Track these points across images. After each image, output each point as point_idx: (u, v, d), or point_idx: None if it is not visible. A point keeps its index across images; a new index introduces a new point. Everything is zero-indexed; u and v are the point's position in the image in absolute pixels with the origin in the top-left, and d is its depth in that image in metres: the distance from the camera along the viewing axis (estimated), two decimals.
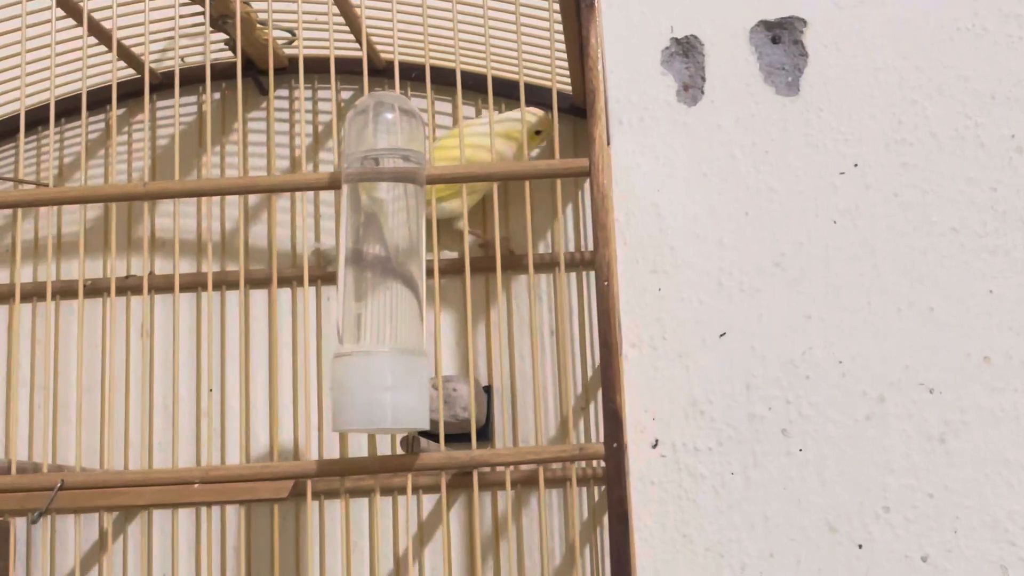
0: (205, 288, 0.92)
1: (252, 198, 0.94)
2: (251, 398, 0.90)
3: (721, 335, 0.90)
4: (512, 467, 0.89)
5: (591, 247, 0.92)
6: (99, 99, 0.92)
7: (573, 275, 0.92)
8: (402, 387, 0.65)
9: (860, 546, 0.87)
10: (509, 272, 0.92)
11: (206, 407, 0.91)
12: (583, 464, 0.89)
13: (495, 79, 0.87)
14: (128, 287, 0.93)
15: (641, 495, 0.89)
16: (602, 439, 0.74)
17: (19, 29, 0.76)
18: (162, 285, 0.92)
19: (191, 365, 0.92)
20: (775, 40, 0.94)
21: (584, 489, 0.90)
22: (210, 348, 0.92)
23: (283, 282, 0.92)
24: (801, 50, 0.93)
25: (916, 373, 0.89)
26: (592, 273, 0.92)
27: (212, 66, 0.93)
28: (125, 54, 0.89)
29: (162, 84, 0.94)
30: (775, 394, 0.89)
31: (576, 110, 0.92)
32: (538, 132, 0.89)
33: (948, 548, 0.87)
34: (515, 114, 0.88)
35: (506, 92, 0.90)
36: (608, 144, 0.91)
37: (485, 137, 0.84)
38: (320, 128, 0.96)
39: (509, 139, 0.87)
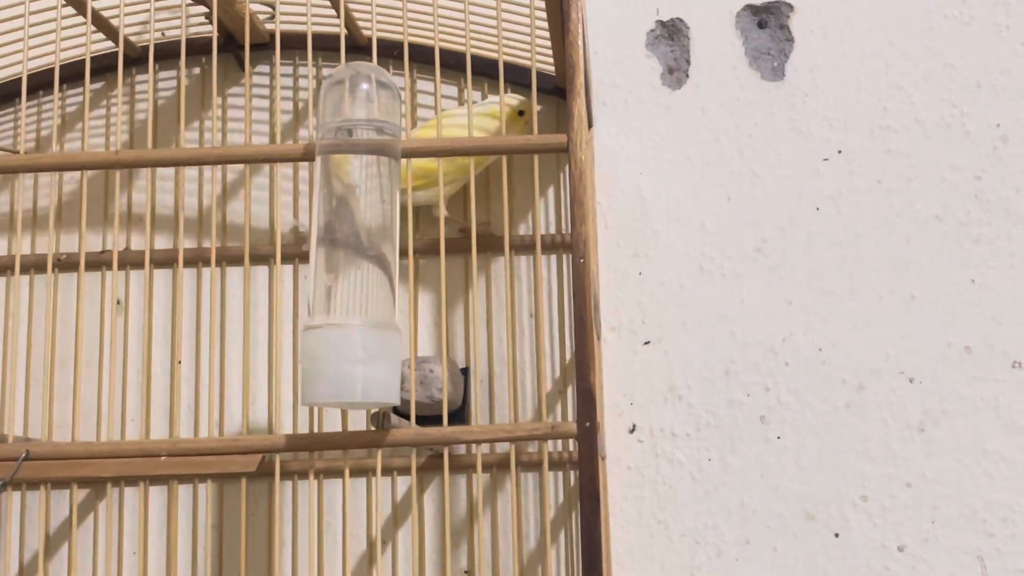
0: (181, 264, 0.91)
1: (230, 175, 0.93)
2: (225, 374, 0.89)
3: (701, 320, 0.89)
4: (486, 448, 0.88)
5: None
6: (76, 72, 0.91)
7: (554, 257, 0.91)
8: (373, 360, 0.64)
9: (837, 535, 0.87)
10: (488, 253, 0.91)
11: (179, 382, 0.90)
12: (559, 448, 0.88)
13: (476, 58, 0.87)
14: (103, 261, 0.92)
15: (618, 480, 0.88)
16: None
17: None
18: (137, 260, 0.91)
19: (165, 341, 0.91)
20: (761, 25, 0.93)
21: (560, 474, 0.89)
22: (185, 323, 0.91)
23: (259, 259, 0.91)
24: (787, 35, 0.93)
25: (897, 361, 0.88)
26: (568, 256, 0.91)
27: (192, 41, 0.92)
28: (103, 25, 0.87)
29: (141, 58, 0.93)
30: (754, 380, 0.89)
31: (560, 91, 0.91)
32: (520, 113, 0.88)
33: (925, 538, 0.86)
34: (496, 99, 0.87)
35: (487, 72, 0.90)
36: (591, 126, 0.91)
37: (465, 123, 0.84)
38: (300, 105, 0.95)
39: (491, 118, 0.86)
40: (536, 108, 0.79)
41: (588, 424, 0.67)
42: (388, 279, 0.67)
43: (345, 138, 0.67)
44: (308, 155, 0.70)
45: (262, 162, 0.70)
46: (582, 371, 0.68)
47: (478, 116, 0.85)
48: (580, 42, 0.70)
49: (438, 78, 0.73)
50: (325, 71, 0.95)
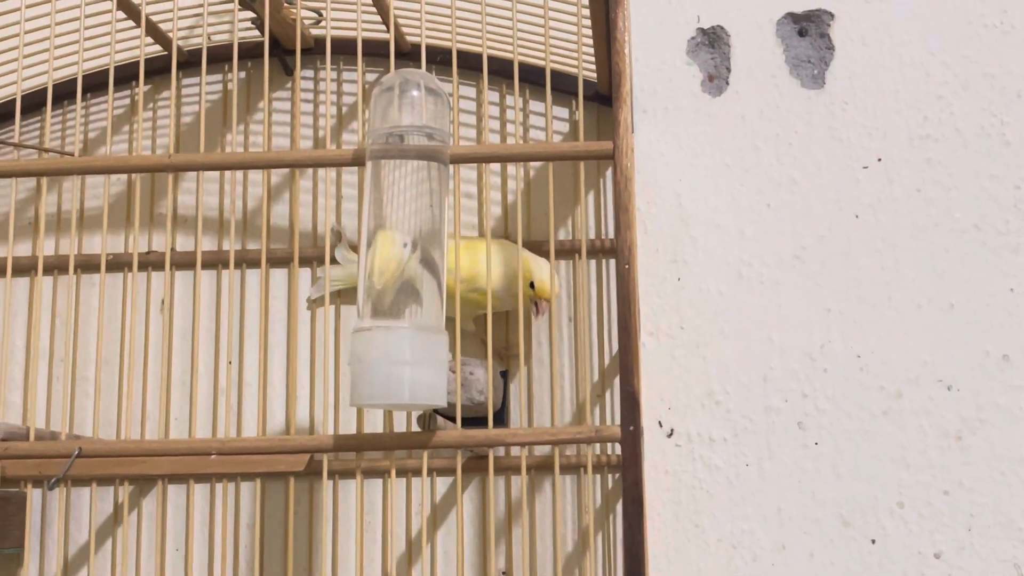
0: (225, 265, 0.92)
1: (274, 178, 0.94)
2: (268, 375, 0.90)
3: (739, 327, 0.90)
4: (527, 449, 0.89)
5: (611, 235, 0.92)
6: (124, 75, 0.93)
7: (593, 262, 0.92)
8: (421, 363, 0.65)
9: (873, 541, 0.87)
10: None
11: (224, 383, 0.91)
12: (598, 451, 0.89)
13: (509, 63, 0.88)
14: (149, 262, 0.93)
15: (655, 484, 0.88)
16: (618, 424, 0.74)
17: (49, 0, 0.76)
18: (183, 261, 0.92)
19: (209, 341, 0.92)
20: (802, 33, 0.93)
21: (598, 476, 0.90)
22: (229, 324, 0.92)
23: (303, 262, 0.92)
24: (828, 43, 0.93)
25: (934, 369, 0.89)
26: (611, 261, 0.92)
27: (238, 45, 0.93)
28: (152, 30, 0.89)
29: (188, 62, 0.94)
30: (792, 387, 0.89)
31: (600, 98, 0.92)
32: (531, 285, 0.85)
33: (961, 546, 0.87)
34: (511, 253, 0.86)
35: (531, 78, 0.91)
36: (632, 132, 0.91)
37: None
38: (344, 110, 0.96)
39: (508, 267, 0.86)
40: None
41: (632, 428, 0.68)
42: (436, 282, 0.68)
43: (396, 144, 0.68)
44: (358, 160, 0.71)
45: (312, 167, 0.71)
46: (627, 375, 0.68)
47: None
48: (626, 50, 0.71)
49: (485, 84, 0.74)
50: (369, 77, 0.96)
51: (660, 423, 0.89)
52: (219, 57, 0.94)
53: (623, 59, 0.70)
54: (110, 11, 0.78)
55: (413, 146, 0.68)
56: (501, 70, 0.88)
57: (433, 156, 0.68)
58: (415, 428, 0.73)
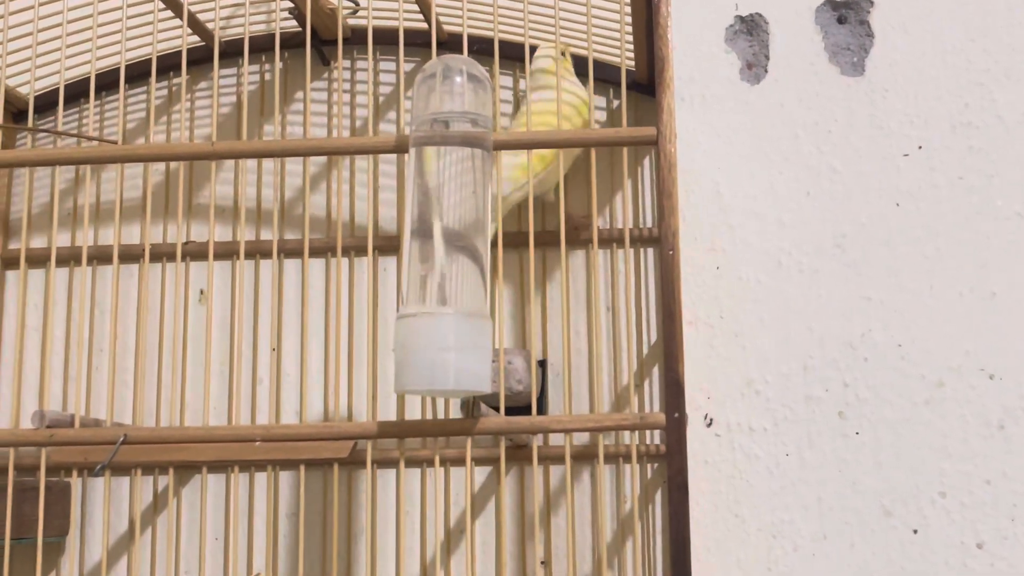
0: (263, 255, 0.93)
1: (311, 168, 0.94)
2: (306, 364, 0.90)
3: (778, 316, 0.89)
4: (563, 439, 0.89)
5: (649, 223, 0.92)
6: (162, 66, 0.93)
7: (630, 251, 0.92)
8: (465, 349, 0.65)
9: (915, 531, 0.87)
10: (567, 247, 0.91)
11: (262, 372, 0.91)
12: (636, 440, 0.89)
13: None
14: (187, 252, 0.93)
15: (695, 474, 0.88)
16: (660, 411, 0.74)
17: None
18: (220, 251, 0.93)
19: (248, 330, 0.92)
20: (841, 20, 0.93)
21: (636, 466, 0.89)
22: (265, 314, 0.92)
23: (341, 252, 0.92)
24: (867, 30, 0.92)
25: (976, 358, 0.88)
26: (650, 249, 0.92)
27: (274, 36, 0.93)
28: (191, 21, 0.89)
29: (224, 52, 0.94)
30: (832, 376, 0.89)
31: (637, 86, 0.92)
32: (562, 53, 0.87)
33: (1004, 535, 0.86)
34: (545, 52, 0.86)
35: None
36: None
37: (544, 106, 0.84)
38: (381, 99, 0.96)
39: (547, 74, 0.86)
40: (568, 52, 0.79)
41: (677, 415, 0.67)
42: (479, 269, 0.68)
43: (440, 130, 0.68)
44: (400, 147, 0.71)
45: (354, 154, 0.71)
46: (671, 362, 0.68)
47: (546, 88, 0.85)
48: (669, 36, 0.70)
49: (528, 71, 0.73)
50: (406, 66, 0.96)
51: (707, 416, 0.89)
52: (255, 48, 0.94)
53: (666, 44, 0.70)
54: (149, 2, 0.78)
55: (457, 132, 0.68)
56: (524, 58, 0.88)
57: (476, 142, 0.68)
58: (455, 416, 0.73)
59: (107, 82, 0.92)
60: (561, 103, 0.78)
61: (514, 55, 0.90)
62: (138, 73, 0.94)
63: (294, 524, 0.90)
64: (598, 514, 0.87)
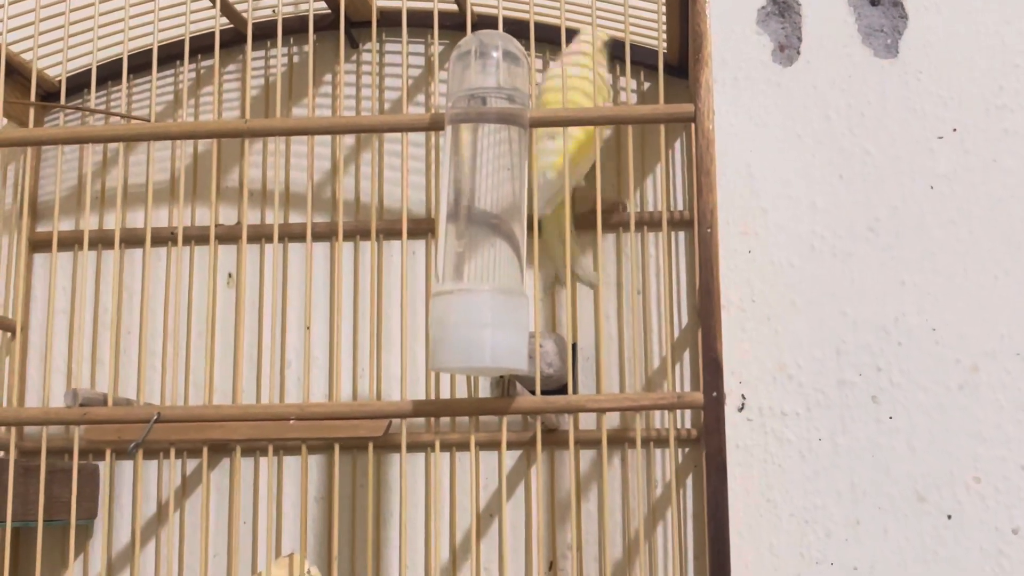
0: (292, 238, 0.92)
1: (324, 150, 0.94)
2: (335, 346, 0.90)
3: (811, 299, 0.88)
4: (592, 423, 0.88)
5: (680, 207, 0.91)
6: (191, 49, 0.92)
7: (660, 234, 0.91)
8: (502, 326, 0.65)
9: (949, 516, 0.86)
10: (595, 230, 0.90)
11: (291, 355, 0.91)
12: (664, 424, 0.88)
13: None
14: (217, 235, 0.93)
15: (727, 458, 0.87)
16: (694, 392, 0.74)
17: None
18: (250, 234, 0.92)
19: (276, 313, 0.92)
20: (874, 2, 0.92)
21: (666, 451, 0.89)
22: (294, 296, 0.92)
23: (366, 234, 0.92)
24: (901, 12, 0.92)
25: (1011, 343, 0.87)
26: (680, 233, 0.91)
27: (302, 18, 0.93)
28: (222, 3, 0.89)
29: (253, 35, 0.94)
30: (866, 360, 0.88)
31: (668, 68, 0.91)
32: (605, 44, 0.86)
33: None
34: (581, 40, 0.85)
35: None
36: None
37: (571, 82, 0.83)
38: (410, 83, 0.95)
39: (584, 56, 0.85)
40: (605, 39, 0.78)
41: (715, 394, 0.67)
42: (515, 247, 0.67)
43: (476, 107, 0.67)
44: (436, 124, 0.70)
45: (390, 131, 0.71)
46: (710, 341, 0.67)
47: (576, 65, 0.84)
48: (707, 11, 0.70)
49: (563, 53, 0.73)
50: (437, 48, 0.95)
51: (740, 399, 0.88)
52: (283, 30, 0.94)
53: (704, 20, 0.69)
54: None
55: (493, 109, 0.67)
56: (556, 40, 0.87)
57: (513, 119, 0.68)
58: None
59: (135, 65, 0.92)
60: (587, 83, 0.77)
61: (546, 37, 0.90)
62: (166, 56, 0.94)
63: (323, 507, 0.89)
64: (628, 498, 0.86)
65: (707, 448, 0.67)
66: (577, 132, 0.79)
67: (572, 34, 0.87)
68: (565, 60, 0.82)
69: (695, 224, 0.88)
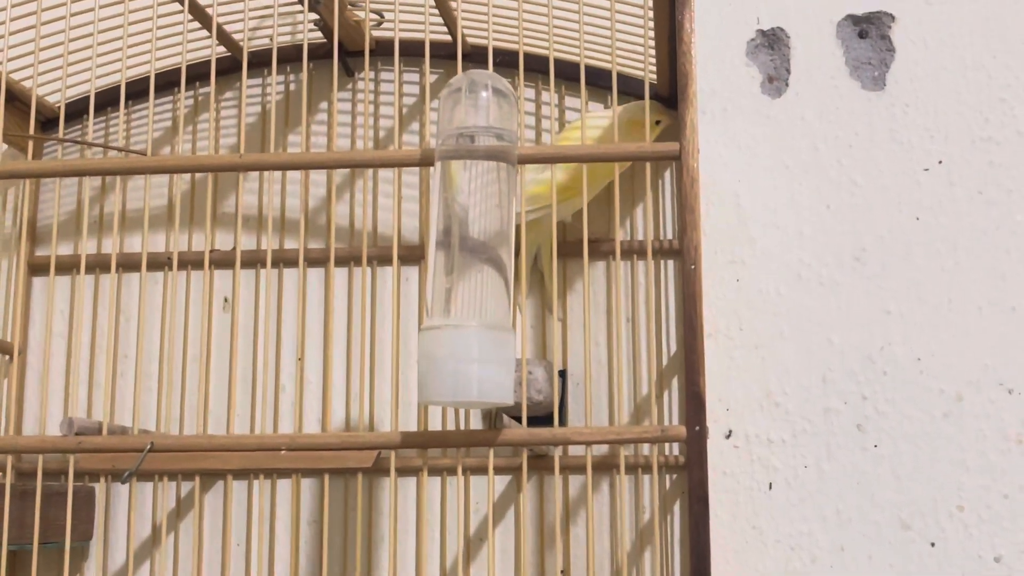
0: (287, 264, 0.93)
1: (335, 178, 0.95)
2: (329, 373, 0.91)
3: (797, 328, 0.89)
4: (582, 450, 0.89)
5: (668, 236, 0.92)
6: (187, 76, 0.94)
7: (651, 263, 0.92)
8: (489, 361, 0.66)
9: (933, 544, 0.87)
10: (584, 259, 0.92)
11: (285, 380, 0.92)
12: (657, 453, 0.89)
13: (568, 65, 0.88)
14: (211, 261, 0.94)
15: (713, 485, 0.89)
16: (678, 424, 0.75)
17: (123, 1, 0.77)
18: (245, 260, 0.93)
19: (271, 339, 0.93)
20: (862, 35, 0.93)
21: (650, 477, 0.90)
22: (299, 321, 0.93)
23: (360, 262, 0.93)
24: (888, 45, 0.93)
25: (995, 373, 0.88)
26: (669, 262, 0.92)
27: (298, 47, 0.94)
28: (218, 32, 0.90)
29: (249, 63, 0.95)
30: (851, 389, 0.89)
31: (660, 99, 0.92)
32: (658, 122, 0.89)
33: (1022, 550, 0.86)
34: (634, 105, 0.88)
35: (592, 80, 0.91)
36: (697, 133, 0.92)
37: (606, 128, 0.84)
38: (404, 111, 0.97)
39: (632, 125, 0.87)
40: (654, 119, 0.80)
41: (698, 428, 0.68)
42: (504, 282, 0.68)
43: (465, 144, 0.69)
44: (425, 161, 0.72)
45: (380, 167, 0.72)
46: (692, 375, 0.69)
47: (622, 120, 0.86)
48: (693, 52, 0.71)
49: (552, 86, 0.74)
50: (430, 78, 0.96)
51: (726, 427, 0.89)
52: (278, 59, 0.95)
53: (690, 60, 0.70)
54: (179, 13, 0.79)
55: (482, 147, 0.69)
56: (561, 72, 0.89)
57: (501, 156, 0.69)
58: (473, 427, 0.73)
59: (132, 92, 0.93)
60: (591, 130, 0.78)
61: (536, 67, 0.91)
62: (164, 83, 0.95)
63: (315, 531, 0.91)
64: (617, 524, 0.87)
65: (689, 481, 0.68)
66: (560, 175, 0.80)
67: (570, 67, 0.88)
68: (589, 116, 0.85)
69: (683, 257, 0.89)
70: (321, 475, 0.89)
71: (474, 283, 0.68)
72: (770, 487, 0.88)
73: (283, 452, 0.69)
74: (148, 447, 0.70)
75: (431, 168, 0.71)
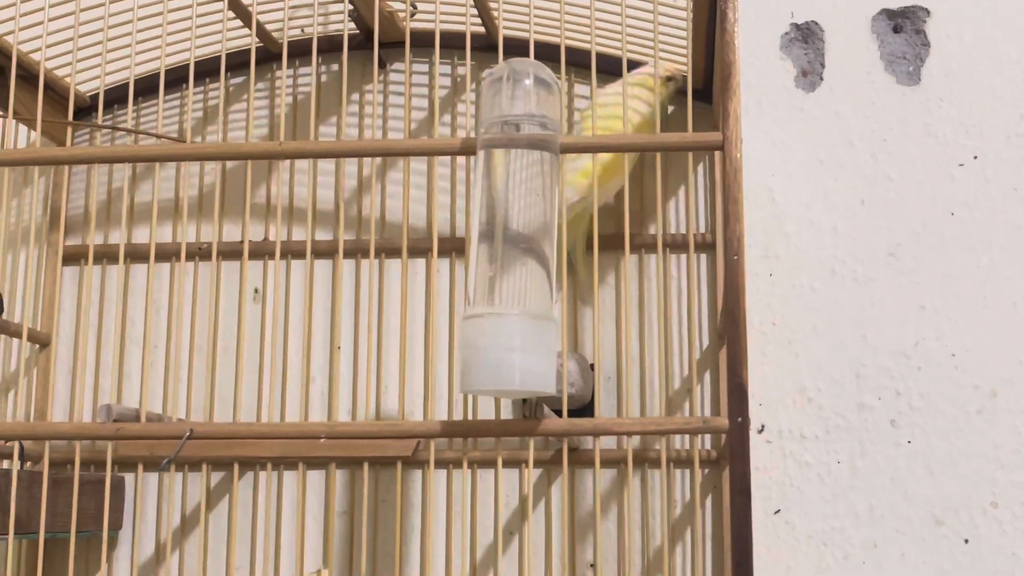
0: (318, 255, 0.93)
1: (365, 169, 0.95)
2: (358, 364, 0.91)
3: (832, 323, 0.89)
4: (613, 443, 0.89)
5: (702, 229, 0.92)
6: (215, 67, 0.93)
7: (683, 256, 0.92)
8: (531, 350, 0.66)
9: (966, 540, 0.86)
10: (618, 252, 0.92)
11: (315, 371, 0.92)
12: (686, 446, 0.89)
13: (607, 58, 0.88)
14: (241, 251, 0.94)
15: None
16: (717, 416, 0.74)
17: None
18: (274, 251, 0.93)
19: (302, 329, 0.93)
20: (897, 29, 0.93)
21: (687, 471, 0.90)
22: (319, 313, 0.93)
23: (393, 253, 0.93)
24: (923, 40, 0.93)
25: None
26: (703, 255, 0.92)
27: (329, 38, 0.94)
28: (248, 21, 0.90)
29: (279, 55, 0.95)
30: (885, 384, 0.89)
31: (694, 92, 0.92)
32: (669, 79, 0.88)
33: None
34: (646, 69, 0.87)
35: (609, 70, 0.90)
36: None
37: (618, 102, 0.84)
38: (437, 102, 0.96)
39: (643, 88, 0.86)
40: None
41: (740, 419, 0.68)
42: (546, 271, 0.68)
43: (509, 133, 0.68)
44: (468, 149, 0.71)
45: (421, 155, 0.72)
46: (735, 367, 0.68)
47: (632, 83, 0.85)
48: (736, 42, 0.71)
49: (594, 79, 0.74)
50: (461, 70, 0.96)
51: (761, 424, 0.89)
52: (310, 50, 0.95)
53: (733, 50, 0.70)
54: (216, 1, 0.79)
55: (525, 135, 0.68)
56: (587, 63, 0.88)
57: (544, 145, 0.69)
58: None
59: (157, 83, 0.93)
60: (629, 110, 0.78)
61: (575, 61, 0.91)
62: (197, 72, 0.95)
63: (346, 522, 0.90)
64: (648, 518, 0.87)
65: (731, 473, 0.68)
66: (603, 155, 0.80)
67: (614, 61, 0.88)
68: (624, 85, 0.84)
69: (718, 249, 0.89)
70: (355, 465, 0.89)
71: (516, 272, 0.68)
72: (803, 483, 0.88)
73: (322, 440, 0.69)
74: (188, 434, 0.70)
75: (471, 158, 0.70)
